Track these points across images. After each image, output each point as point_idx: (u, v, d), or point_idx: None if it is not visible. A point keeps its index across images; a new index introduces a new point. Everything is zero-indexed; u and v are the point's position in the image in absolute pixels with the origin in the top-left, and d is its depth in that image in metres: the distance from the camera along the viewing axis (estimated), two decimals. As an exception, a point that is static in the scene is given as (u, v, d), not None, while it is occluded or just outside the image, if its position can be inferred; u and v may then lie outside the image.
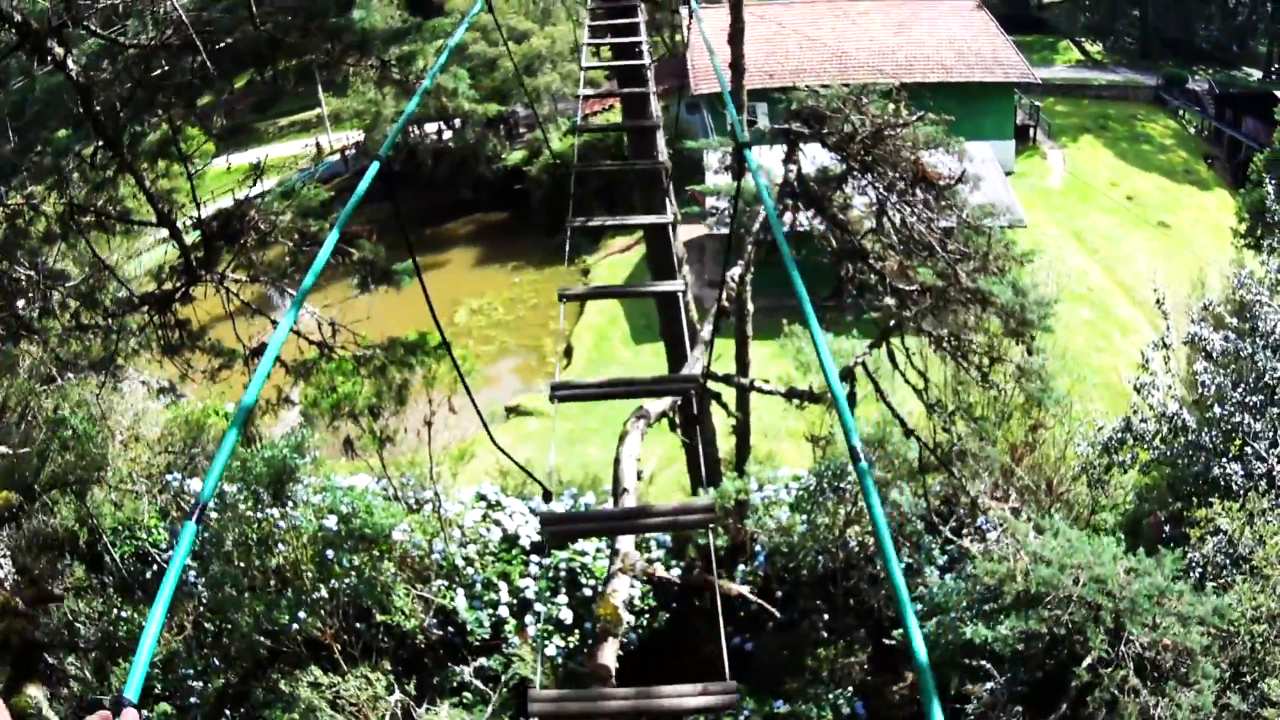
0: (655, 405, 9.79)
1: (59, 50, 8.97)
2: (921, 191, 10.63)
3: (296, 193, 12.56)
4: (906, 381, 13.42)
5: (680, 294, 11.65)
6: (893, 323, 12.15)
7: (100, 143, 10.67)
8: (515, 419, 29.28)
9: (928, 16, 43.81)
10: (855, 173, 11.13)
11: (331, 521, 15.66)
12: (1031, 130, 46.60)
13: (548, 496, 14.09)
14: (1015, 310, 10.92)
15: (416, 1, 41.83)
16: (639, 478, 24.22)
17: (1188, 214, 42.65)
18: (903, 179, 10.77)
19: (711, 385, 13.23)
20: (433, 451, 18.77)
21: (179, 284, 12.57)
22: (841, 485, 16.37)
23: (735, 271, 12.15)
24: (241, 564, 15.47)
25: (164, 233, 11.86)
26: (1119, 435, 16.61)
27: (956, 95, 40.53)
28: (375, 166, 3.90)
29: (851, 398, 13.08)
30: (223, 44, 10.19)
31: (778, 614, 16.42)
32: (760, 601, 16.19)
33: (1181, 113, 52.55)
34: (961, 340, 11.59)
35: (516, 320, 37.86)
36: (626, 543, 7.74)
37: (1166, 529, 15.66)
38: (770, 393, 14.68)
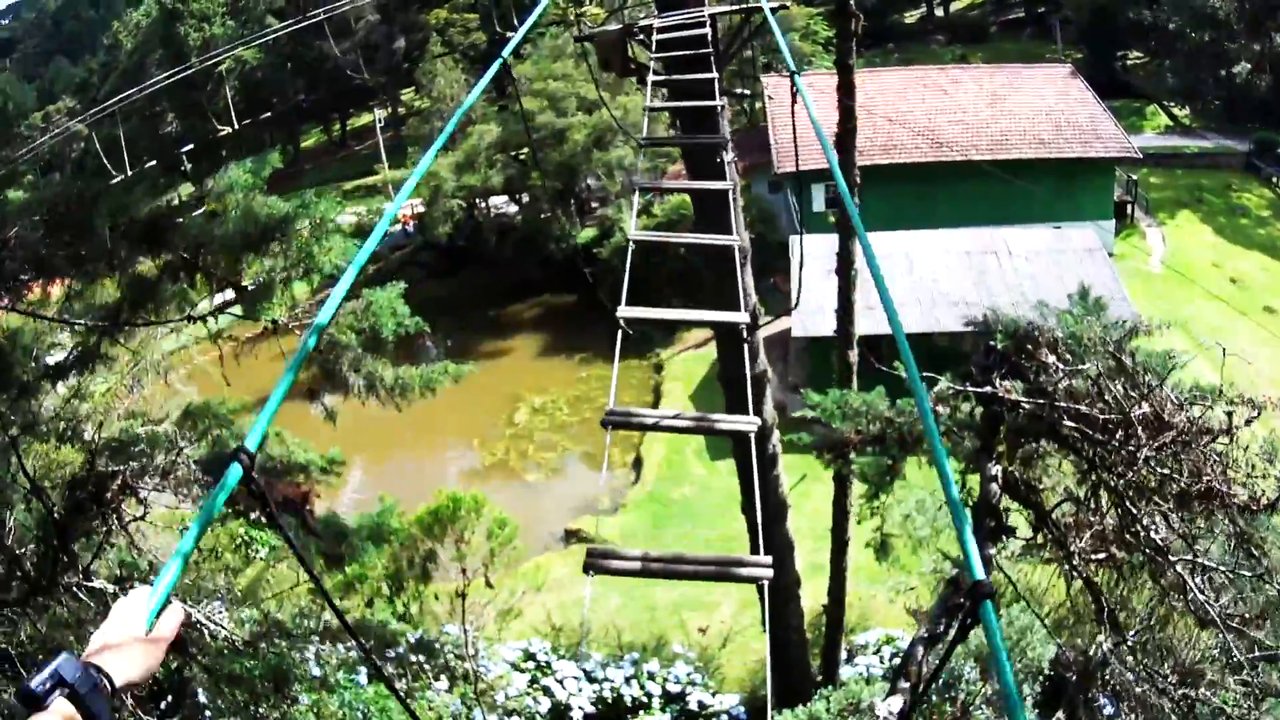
0: None
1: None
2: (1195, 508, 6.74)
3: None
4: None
5: (753, 433, 8.82)
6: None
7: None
8: (575, 546, 26.90)
9: (1022, 85, 41.40)
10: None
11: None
12: (1129, 207, 44.01)
13: None
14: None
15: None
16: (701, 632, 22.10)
17: (1294, 296, 40.22)
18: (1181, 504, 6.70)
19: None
20: (468, 623, 16.25)
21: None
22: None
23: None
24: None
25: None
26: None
27: (1055, 172, 38.23)
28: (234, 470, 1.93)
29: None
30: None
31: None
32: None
33: (1275, 180, 50.17)
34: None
35: (581, 423, 35.43)
36: None
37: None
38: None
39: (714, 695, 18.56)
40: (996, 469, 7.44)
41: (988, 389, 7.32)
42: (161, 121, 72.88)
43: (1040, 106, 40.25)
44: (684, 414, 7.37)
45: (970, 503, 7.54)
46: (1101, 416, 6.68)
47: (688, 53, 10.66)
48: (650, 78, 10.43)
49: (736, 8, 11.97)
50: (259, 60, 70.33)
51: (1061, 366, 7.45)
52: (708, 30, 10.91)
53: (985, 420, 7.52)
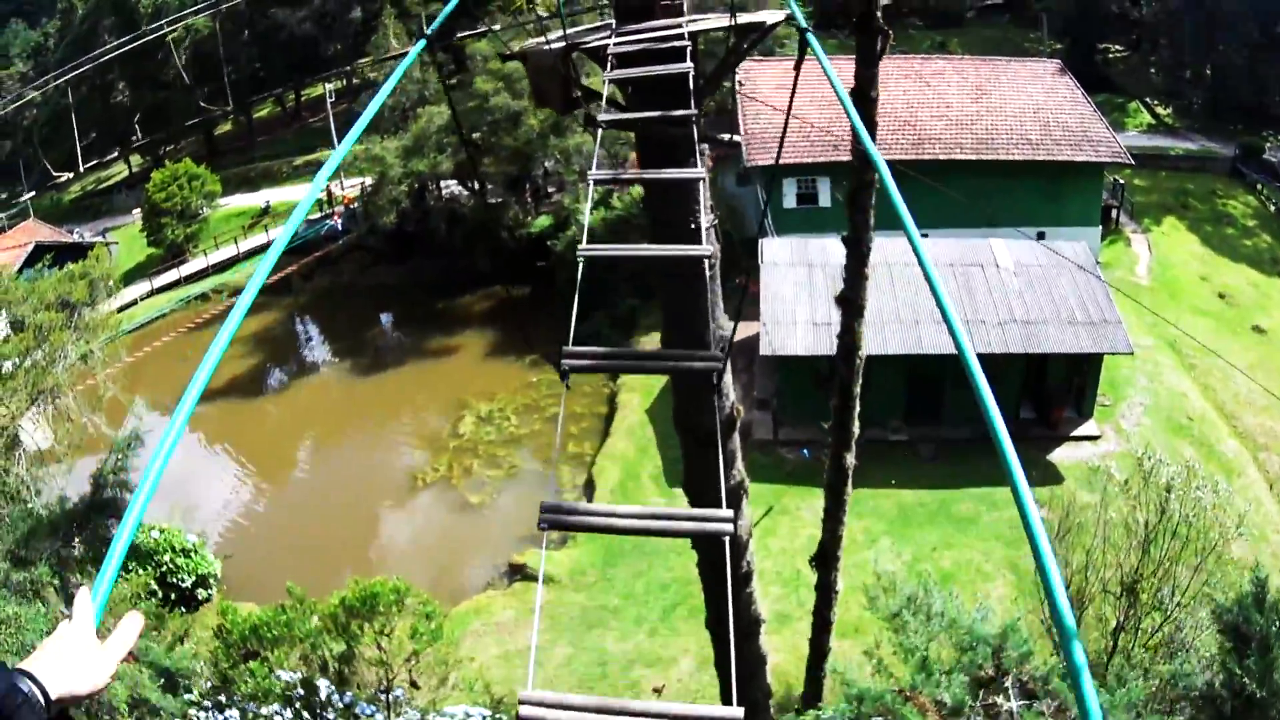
0: None
1: None
2: None
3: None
4: None
5: (727, 534, 6.10)
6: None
7: None
8: (520, 584, 24.46)
9: (1008, 80, 39.02)
10: None
11: None
12: (1114, 212, 41.96)
13: None
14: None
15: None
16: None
17: (1281, 314, 38.52)
18: None
19: None
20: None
21: None
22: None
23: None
24: None
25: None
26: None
27: (1042, 174, 36.06)
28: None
29: None
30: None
31: None
32: None
33: (1261, 188, 48.78)
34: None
35: (531, 435, 32.98)
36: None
37: None
38: None
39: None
40: None
41: None
42: (113, 90, 69.76)
43: (1027, 104, 37.93)
44: (639, 511, 5.27)
45: None
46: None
47: (656, 70, 7.55)
48: (602, 116, 7.35)
49: (728, 22, 8.11)
50: (209, 29, 67.19)
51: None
52: (686, 54, 7.41)
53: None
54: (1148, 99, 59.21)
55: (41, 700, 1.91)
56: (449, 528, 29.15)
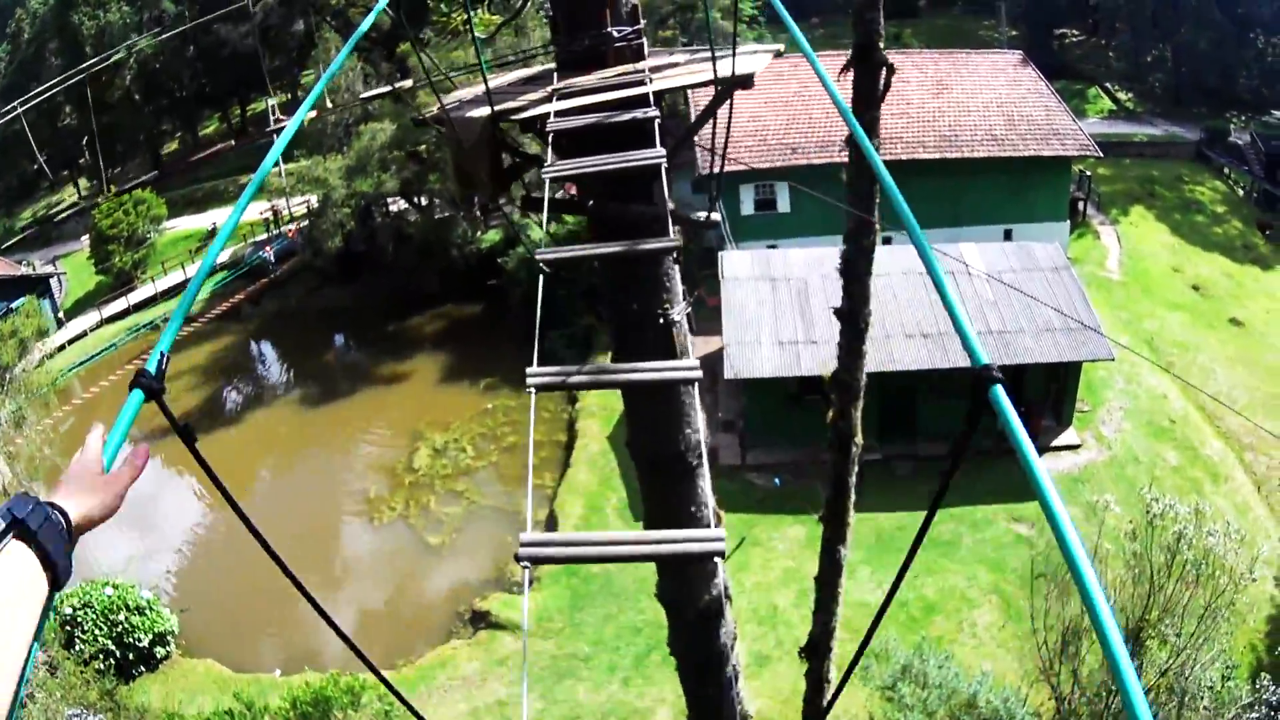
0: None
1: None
2: None
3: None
4: None
5: (718, 556, 4.74)
6: None
7: None
8: (484, 633, 23.08)
9: (969, 73, 37.88)
10: None
11: None
12: (1081, 204, 40.98)
13: None
14: None
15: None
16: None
17: (1257, 304, 38.46)
18: None
19: None
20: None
21: None
22: None
23: None
24: None
25: None
26: None
27: (1008, 170, 35.04)
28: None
29: None
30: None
31: None
32: None
33: (1227, 172, 48.33)
34: None
35: (488, 468, 31.46)
36: None
37: None
38: None
39: None
40: None
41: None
42: (60, 114, 68.08)
43: (990, 98, 36.80)
44: (622, 537, 4.45)
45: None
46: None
47: (615, 161, 5.79)
48: (545, 207, 5.53)
49: (704, 77, 6.31)
50: (153, 48, 65.53)
51: None
52: (654, 128, 5.73)
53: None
54: (1108, 84, 58.48)
55: (63, 522, 2.00)
56: (408, 572, 27.72)
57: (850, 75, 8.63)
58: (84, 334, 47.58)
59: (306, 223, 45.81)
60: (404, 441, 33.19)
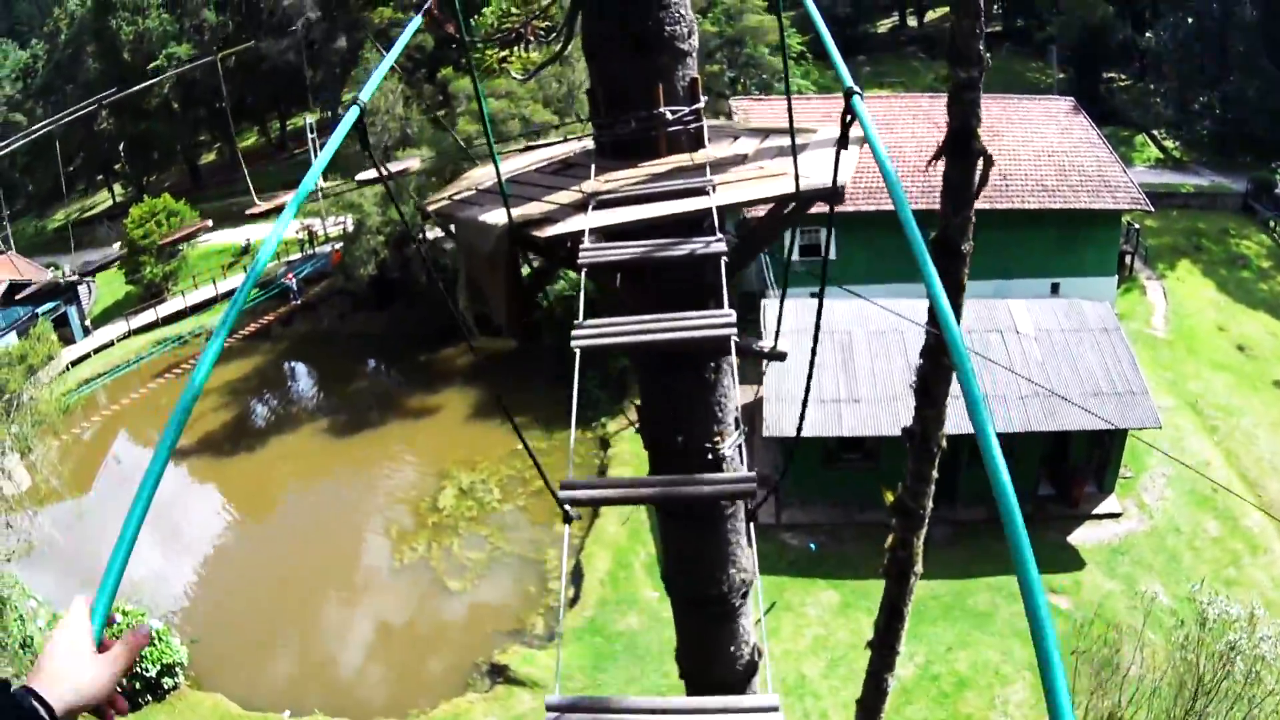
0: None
1: None
2: None
3: None
4: None
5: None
6: None
7: None
8: (502, 688, 22.45)
9: (1020, 120, 37.26)
10: None
11: None
12: (1129, 258, 40.15)
13: None
14: None
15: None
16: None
17: (1305, 365, 36.83)
18: None
19: None
20: None
21: None
22: None
23: None
24: None
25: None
26: None
27: (1058, 223, 34.35)
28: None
29: None
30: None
31: None
32: None
33: (1273, 225, 47.30)
34: None
35: (515, 513, 30.81)
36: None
37: None
38: None
39: None
40: None
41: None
42: (96, 118, 68.33)
43: (1041, 146, 36.14)
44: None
45: None
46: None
47: (675, 331, 4.46)
48: (578, 344, 4.11)
49: (782, 189, 5.12)
50: (191, 56, 65.55)
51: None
52: (714, 247, 4.63)
53: None
54: (1154, 131, 57.59)
55: (45, 715, 1.84)
56: (426, 616, 27.13)
57: (940, 164, 7.73)
58: (110, 344, 47.45)
59: (341, 244, 45.50)
60: (430, 478, 32.68)
